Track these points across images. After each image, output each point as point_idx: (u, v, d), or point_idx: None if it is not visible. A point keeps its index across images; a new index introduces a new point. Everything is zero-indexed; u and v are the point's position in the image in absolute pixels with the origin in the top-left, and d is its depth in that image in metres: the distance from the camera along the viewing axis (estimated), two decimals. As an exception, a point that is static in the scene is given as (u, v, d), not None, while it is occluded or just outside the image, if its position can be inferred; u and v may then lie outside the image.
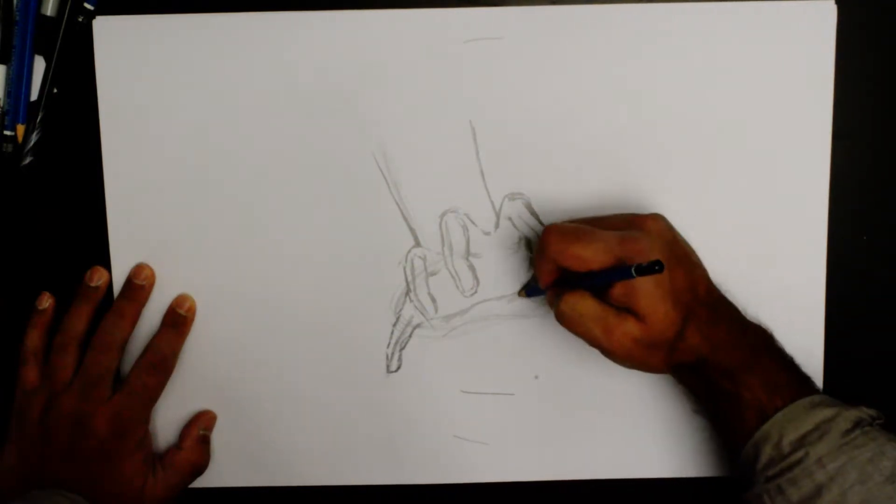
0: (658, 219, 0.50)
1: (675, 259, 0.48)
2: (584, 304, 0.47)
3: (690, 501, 0.57)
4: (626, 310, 0.47)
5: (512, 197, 0.55)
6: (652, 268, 0.43)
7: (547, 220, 0.55)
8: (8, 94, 0.54)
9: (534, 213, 0.55)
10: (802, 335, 0.54)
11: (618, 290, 0.47)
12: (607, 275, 0.47)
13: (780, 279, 0.55)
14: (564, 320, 0.48)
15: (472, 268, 0.55)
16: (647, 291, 0.46)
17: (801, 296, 0.55)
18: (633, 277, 0.44)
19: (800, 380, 0.49)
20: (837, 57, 0.54)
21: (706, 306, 0.48)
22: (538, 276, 0.51)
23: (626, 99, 0.54)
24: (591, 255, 0.47)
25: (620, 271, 0.46)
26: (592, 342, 0.48)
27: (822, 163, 0.54)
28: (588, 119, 0.54)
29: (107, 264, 0.55)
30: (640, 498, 0.57)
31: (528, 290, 0.55)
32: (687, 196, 0.55)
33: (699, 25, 0.54)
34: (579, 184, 0.55)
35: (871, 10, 0.54)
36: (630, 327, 0.47)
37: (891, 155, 0.56)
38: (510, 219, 0.55)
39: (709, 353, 0.48)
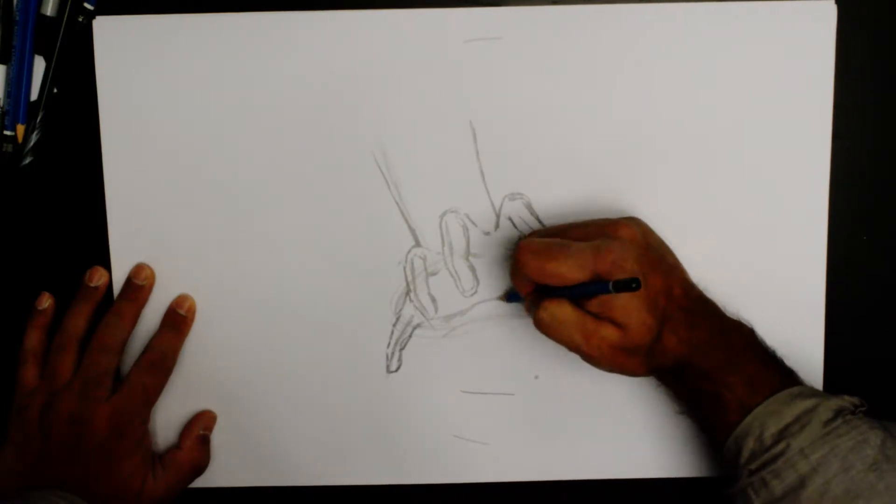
0: (632, 224, 0.50)
1: (650, 265, 0.48)
2: (562, 311, 0.48)
3: (690, 502, 0.57)
4: (605, 317, 0.47)
5: (512, 197, 0.55)
6: (629, 285, 0.44)
7: (547, 220, 0.55)
8: (8, 94, 0.54)
9: (534, 213, 0.55)
10: (802, 335, 0.54)
11: (594, 302, 0.47)
12: (584, 288, 0.47)
13: (780, 279, 0.55)
14: (543, 327, 0.49)
15: (472, 268, 0.56)
16: (623, 302, 0.47)
17: (801, 296, 0.55)
18: (611, 293, 0.45)
19: (782, 374, 0.49)
20: (837, 57, 0.54)
21: (683, 310, 0.48)
22: (517, 289, 0.51)
23: (626, 98, 0.54)
24: (566, 271, 0.47)
25: (598, 286, 0.46)
26: (572, 348, 0.49)
27: (822, 163, 0.54)
28: (588, 119, 0.54)
29: (107, 264, 0.55)
30: (639, 498, 0.57)
31: (509, 296, 0.55)
32: (686, 196, 0.55)
33: (699, 25, 0.54)
34: (579, 184, 0.55)
35: (871, 10, 0.54)
36: (608, 333, 0.47)
37: (891, 155, 0.56)
38: (510, 219, 0.55)
39: (687, 355, 0.48)
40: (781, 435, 0.46)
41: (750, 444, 0.46)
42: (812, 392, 0.47)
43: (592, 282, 0.47)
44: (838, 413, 0.46)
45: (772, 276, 0.55)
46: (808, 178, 0.55)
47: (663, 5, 0.54)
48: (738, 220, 0.55)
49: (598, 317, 0.47)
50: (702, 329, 0.48)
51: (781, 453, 0.45)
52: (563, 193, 0.55)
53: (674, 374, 0.49)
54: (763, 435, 0.46)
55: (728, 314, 0.50)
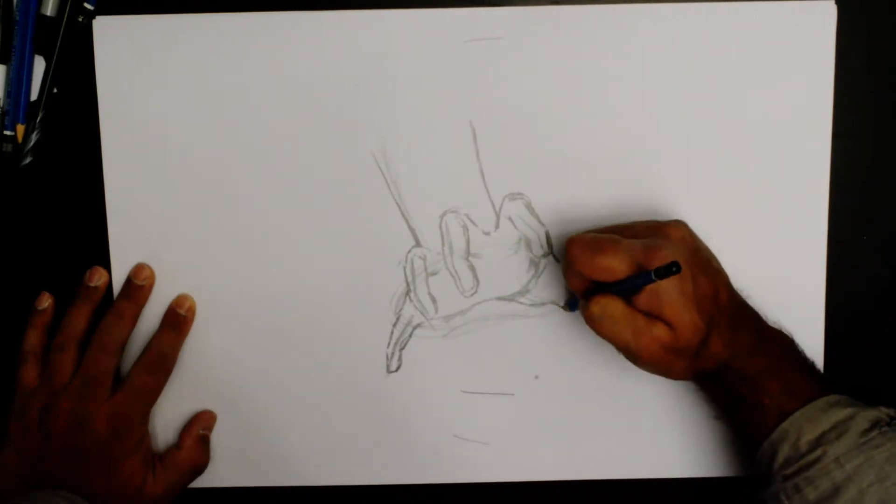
0: (680, 226, 0.50)
1: (699, 266, 0.48)
2: (613, 307, 0.47)
3: (689, 502, 0.57)
4: (655, 316, 0.47)
5: (512, 197, 0.55)
6: (669, 269, 0.44)
7: (547, 220, 0.55)
8: (8, 94, 0.54)
9: (534, 213, 0.55)
10: (803, 335, 0.54)
11: (644, 297, 0.47)
12: (630, 281, 0.47)
13: (780, 279, 0.55)
14: (594, 322, 0.48)
15: (472, 268, 0.55)
16: (673, 299, 0.47)
17: (801, 295, 0.55)
18: (654, 281, 0.45)
19: (820, 383, 0.49)
20: (837, 57, 0.54)
21: (728, 314, 0.49)
22: (570, 287, 0.51)
23: (625, 99, 0.54)
24: (616, 265, 0.47)
25: (642, 278, 0.46)
26: (621, 345, 0.48)
27: (822, 163, 0.55)
28: (587, 119, 0.54)
29: (107, 264, 0.55)
30: (640, 498, 0.57)
31: (570, 305, 0.55)
32: (686, 196, 0.55)
33: (699, 25, 0.54)
34: (579, 184, 0.55)
35: (871, 10, 0.54)
36: (659, 332, 0.47)
37: (891, 155, 0.56)
38: (510, 219, 0.55)
39: (730, 359, 0.48)
40: (818, 442, 0.46)
41: (785, 450, 0.47)
42: (849, 402, 0.48)
43: (637, 274, 0.47)
44: (875, 424, 0.46)
45: (772, 275, 0.55)
46: (808, 178, 0.55)
47: (662, 6, 0.54)
48: (737, 220, 0.55)
49: (648, 315, 0.47)
50: (745, 335, 0.49)
51: (817, 460, 0.46)
52: (562, 193, 0.55)
53: (714, 379, 0.49)
54: (799, 441, 0.46)
55: (769, 322, 0.51)
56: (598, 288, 0.49)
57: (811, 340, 0.55)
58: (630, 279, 0.47)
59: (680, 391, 0.56)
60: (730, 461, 0.56)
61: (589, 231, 0.52)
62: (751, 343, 0.49)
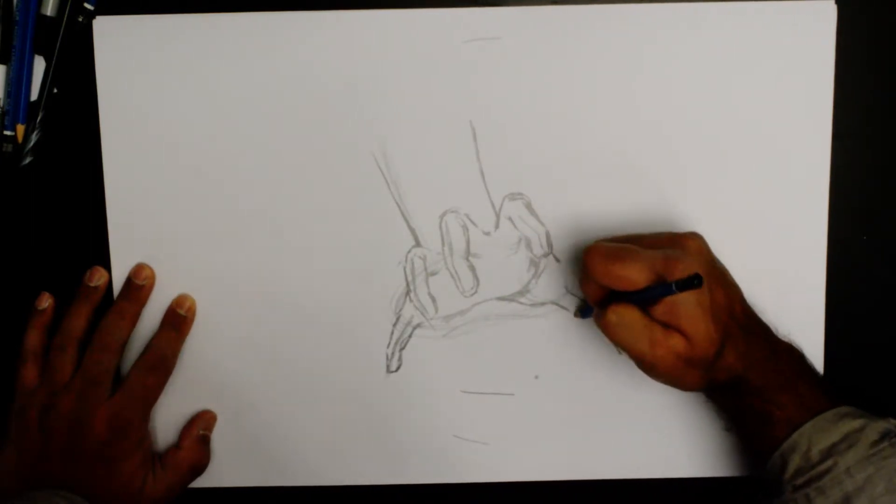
0: (696, 238, 0.50)
1: (715, 280, 0.48)
2: (630, 316, 0.47)
3: (690, 502, 0.57)
4: (671, 327, 0.47)
5: (512, 197, 0.55)
6: (691, 282, 0.44)
7: (547, 220, 0.55)
8: (8, 94, 0.54)
9: (534, 213, 0.55)
10: (802, 335, 0.54)
11: (661, 308, 0.47)
12: (649, 292, 0.47)
13: (780, 279, 0.55)
14: (610, 330, 0.48)
15: (472, 268, 0.55)
16: (689, 310, 0.47)
17: (801, 296, 0.55)
18: (674, 293, 0.45)
19: (829, 395, 0.49)
20: (837, 57, 0.54)
21: (742, 326, 0.49)
22: (585, 296, 0.51)
23: (625, 98, 0.54)
24: (635, 274, 0.47)
25: (662, 289, 0.46)
26: (636, 354, 0.48)
27: (822, 163, 0.55)
28: (587, 119, 0.54)
29: (107, 264, 0.55)
30: (640, 498, 0.57)
31: (583, 312, 0.55)
32: (686, 196, 0.55)
33: (699, 25, 0.54)
34: (580, 183, 0.55)
35: (871, 10, 0.54)
36: (675, 343, 0.47)
37: (891, 155, 0.56)
38: (510, 219, 0.55)
39: (742, 372, 0.48)
40: (829, 453, 0.46)
41: (796, 461, 0.47)
42: (858, 413, 0.48)
43: (657, 285, 0.47)
44: (885, 435, 0.46)
45: (772, 276, 0.55)
46: (808, 178, 0.55)
47: (662, 6, 0.54)
48: (738, 220, 0.55)
49: (665, 326, 0.47)
50: (758, 347, 0.49)
51: (828, 471, 0.46)
52: (562, 193, 0.55)
53: (725, 390, 0.49)
54: (810, 452, 0.47)
55: (779, 336, 0.51)
56: (614, 296, 0.49)
57: (811, 341, 0.55)
58: (649, 289, 0.47)
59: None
60: (730, 461, 0.57)
61: (604, 240, 0.52)
62: (763, 355, 0.49)
